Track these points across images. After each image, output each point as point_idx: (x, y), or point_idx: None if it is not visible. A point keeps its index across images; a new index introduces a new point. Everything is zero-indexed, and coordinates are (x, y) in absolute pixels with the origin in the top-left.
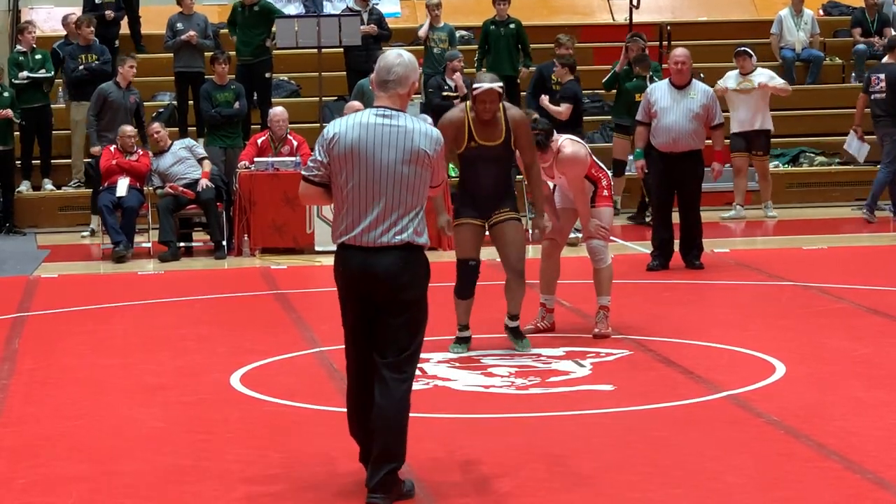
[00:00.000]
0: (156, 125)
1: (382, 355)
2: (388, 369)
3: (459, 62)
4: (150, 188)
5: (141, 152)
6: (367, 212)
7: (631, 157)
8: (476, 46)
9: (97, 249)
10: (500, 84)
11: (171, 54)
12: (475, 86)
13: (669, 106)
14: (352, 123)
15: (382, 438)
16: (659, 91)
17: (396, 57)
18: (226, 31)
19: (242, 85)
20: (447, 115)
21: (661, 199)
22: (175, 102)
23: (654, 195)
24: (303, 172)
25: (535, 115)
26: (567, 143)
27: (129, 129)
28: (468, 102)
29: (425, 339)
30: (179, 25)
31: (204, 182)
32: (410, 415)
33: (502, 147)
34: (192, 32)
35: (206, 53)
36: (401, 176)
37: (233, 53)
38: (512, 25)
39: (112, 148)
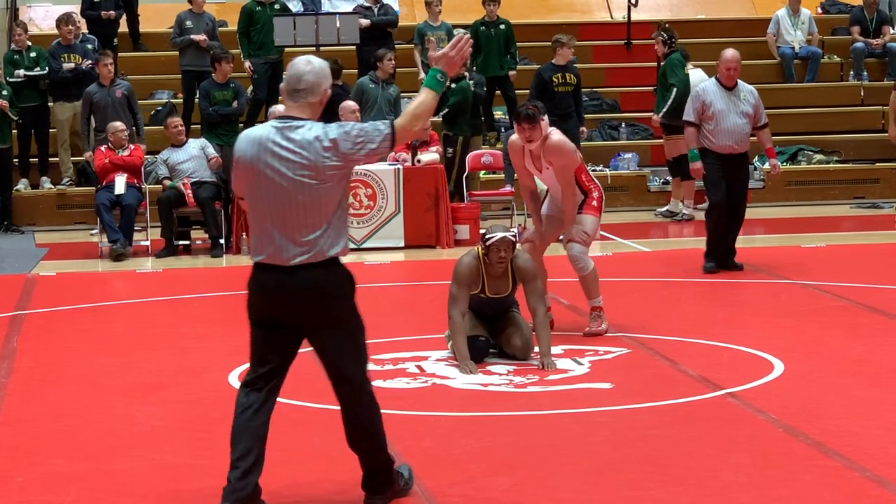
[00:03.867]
0: (178, 119)
1: (329, 375)
2: (340, 385)
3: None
4: (158, 180)
5: (132, 146)
6: (275, 230)
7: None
8: None
9: (95, 247)
10: (514, 233)
11: (170, 52)
12: (488, 236)
13: (727, 109)
14: (251, 139)
15: (364, 451)
16: (712, 93)
17: (306, 64)
18: (223, 28)
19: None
20: (464, 261)
21: (721, 200)
22: (172, 101)
23: (713, 197)
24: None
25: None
26: (555, 132)
27: (118, 124)
28: (480, 248)
29: (424, 336)
30: (189, 23)
31: (215, 160)
32: (409, 412)
33: (508, 296)
34: (203, 36)
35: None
36: (299, 192)
37: (232, 52)
38: (502, 26)
39: (103, 147)
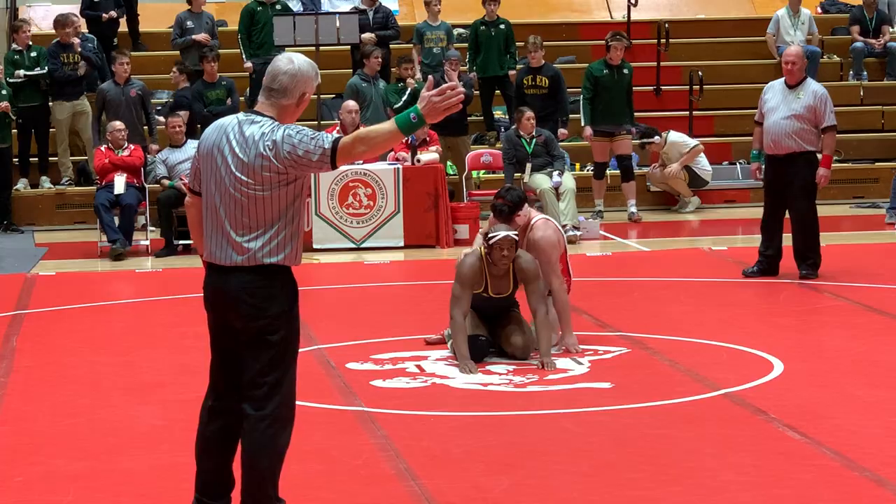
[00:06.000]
0: (179, 119)
1: (245, 387)
2: (248, 403)
3: (456, 62)
4: (156, 179)
5: (132, 147)
6: (218, 224)
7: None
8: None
9: (95, 247)
10: (515, 232)
11: (170, 52)
12: (490, 235)
13: (776, 106)
14: (217, 125)
15: (244, 482)
16: (771, 91)
17: (286, 63)
18: (223, 28)
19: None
20: (467, 261)
21: (767, 203)
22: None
23: (764, 199)
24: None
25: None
26: (540, 225)
27: (118, 124)
28: (482, 248)
29: (423, 336)
30: (189, 23)
31: None
32: (408, 412)
33: (509, 295)
34: (205, 35)
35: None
36: (237, 189)
37: (232, 51)
38: (502, 26)
39: (103, 147)
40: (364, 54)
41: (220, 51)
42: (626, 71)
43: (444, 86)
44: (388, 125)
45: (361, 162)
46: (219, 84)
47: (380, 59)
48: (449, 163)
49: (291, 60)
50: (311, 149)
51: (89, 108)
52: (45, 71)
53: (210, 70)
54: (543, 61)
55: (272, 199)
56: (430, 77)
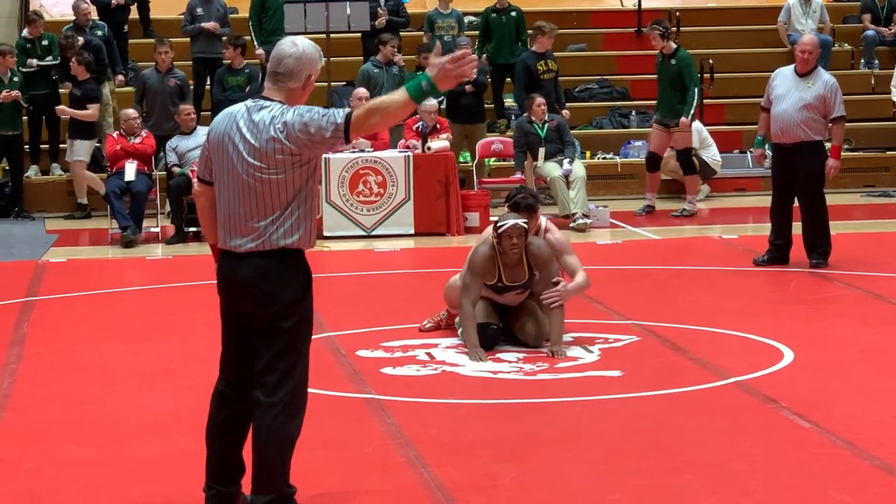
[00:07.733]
0: (189, 106)
1: (257, 374)
2: (260, 389)
3: (466, 46)
4: (167, 166)
5: (144, 134)
6: (231, 211)
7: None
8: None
9: (105, 234)
10: (525, 220)
11: (180, 38)
12: (500, 223)
13: (785, 94)
14: (227, 112)
15: (255, 469)
16: (780, 77)
17: (290, 46)
18: (234, 15)
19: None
20: (479, 251)
21: (775, 192)
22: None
23: (772, 188)
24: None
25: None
26: (552, 226)
27: (131, 112)
28: (493, 238)
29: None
30: (199, 10)
31: None
32: (418, 399)
33: (525, 283)
34: (214, 23)
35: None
36: (250, 176)
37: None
38: (513, 13)
39: (115, 134)
40: (381, 41)
41: None
42: (673, 61)
43: (458, 52)
44: (400, 94)
45: (372, 149)
46: (241, 71)
47: (394, 49)
48: (464, 150)
49: (295, 43)
50: (323, 125)
51: (109, 97)
52: (57, 61)
53: (233, 57)
54: (547, 48)
55: (286, 181)
56: (437, 42)
